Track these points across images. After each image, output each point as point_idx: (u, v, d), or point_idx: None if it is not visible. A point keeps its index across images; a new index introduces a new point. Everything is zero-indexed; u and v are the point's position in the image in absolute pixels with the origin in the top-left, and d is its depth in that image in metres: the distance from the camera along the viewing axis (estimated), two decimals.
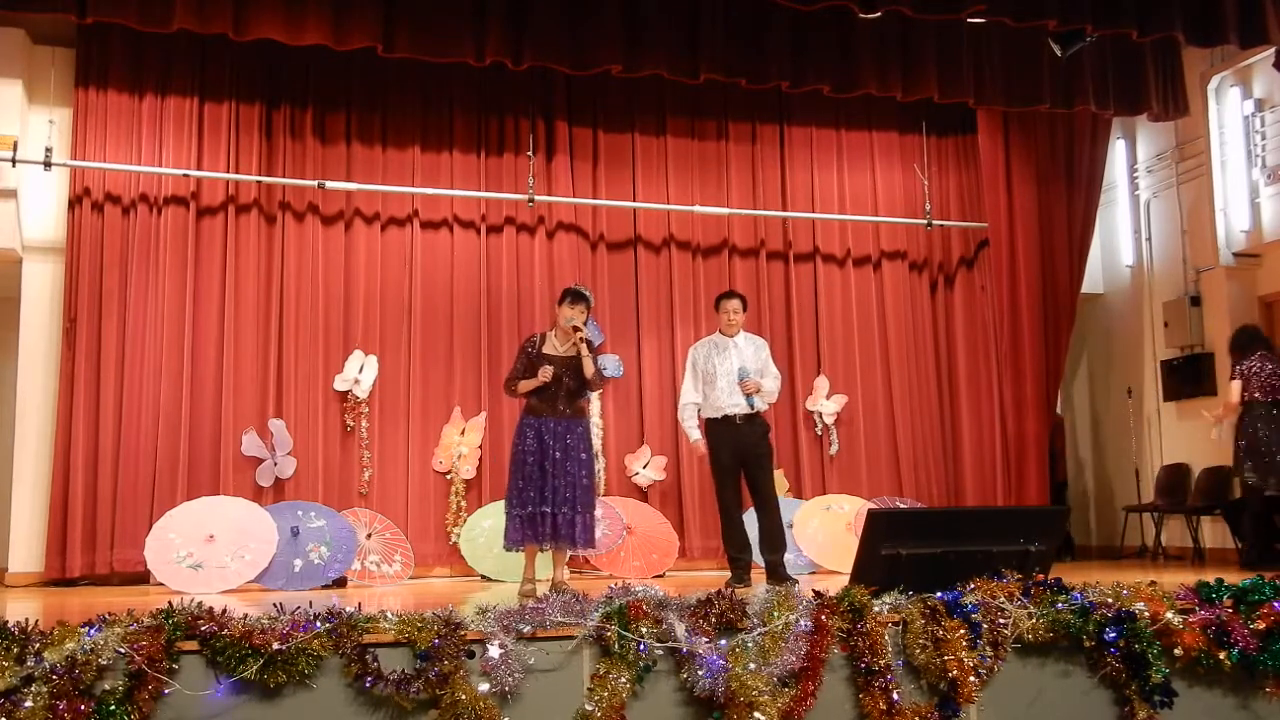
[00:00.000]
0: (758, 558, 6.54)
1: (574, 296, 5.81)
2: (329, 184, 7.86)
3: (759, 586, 4.10)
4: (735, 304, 6.38)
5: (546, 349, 5.76)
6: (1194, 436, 8.75)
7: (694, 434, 6.34)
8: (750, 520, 6.40)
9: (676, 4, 7.35)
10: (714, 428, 6.24)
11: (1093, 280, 9.44)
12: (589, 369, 5.72)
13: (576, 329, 5.72)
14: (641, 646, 3.36)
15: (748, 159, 8.90)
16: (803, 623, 3.50)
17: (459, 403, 8.05)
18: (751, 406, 6.15)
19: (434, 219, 8.26)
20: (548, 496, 5.57)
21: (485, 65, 7.33)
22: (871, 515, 4.23)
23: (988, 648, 3.61)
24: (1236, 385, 7.33)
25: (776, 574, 6.04)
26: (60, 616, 3.24)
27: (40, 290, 7.59)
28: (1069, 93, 7.99)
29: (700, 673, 3.35)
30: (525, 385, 5.71)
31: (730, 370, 6.20)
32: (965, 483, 8.90)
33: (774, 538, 6.18)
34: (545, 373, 5.63)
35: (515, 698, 3.28)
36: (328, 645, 3.20)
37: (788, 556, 6.36)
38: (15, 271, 7.64)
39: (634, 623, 3.38)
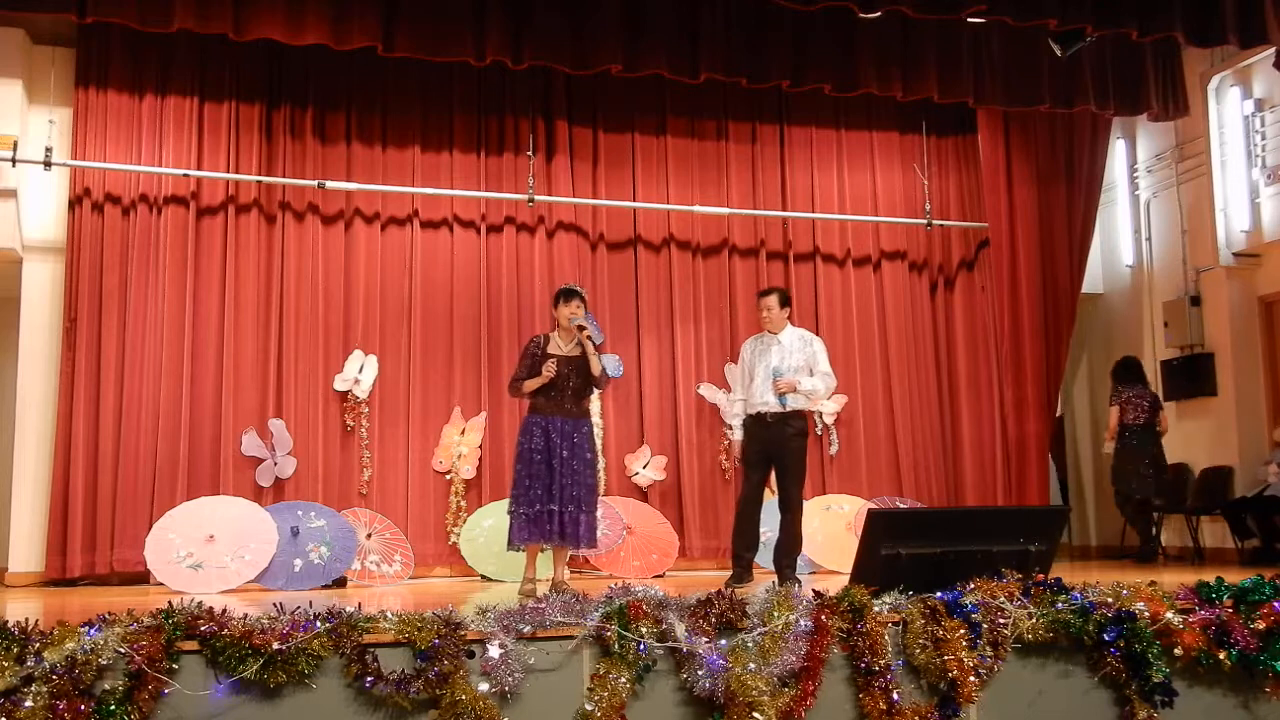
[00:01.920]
0: (759, 556, 6.54)
1: (567, 294, 5.83)
2: (329, 184, 7.86)
3: (759, 586, 4.10)
4: (768, 300, 6.34)
5: (551, 349, 5.77)
6: (1194, 437, 8.76)
7: (735, 433, 6.33)
8: (760, 520, 6.37)
9: (676, 4, 7.36)
10: (748, 424, 6.23)
11: (1093, 280, 9.44)
12: (595, 367, 5.73)
13: (581, 327, 5.73)
14: (641, 646, 3.35)
15: (748, 159, 8.90)
16: (803, 623, 3.50)
17: (459, 403, 8.05)
18: (783, 405, 6.13)
19: (434, 219, 8.26)
20: (555, 494, 5.58)
21: (485, 65, 7.34)
22: (871, 515, 4.23)
23: (988, 648, 3.61)
24: (1115, 411, 8.46)
25: (783, 577, 6.03)
26: (60, 616, 3.24)
27: (40, 290, 7.59)
28: (1069, 93, 7.99)
29: (700, 673, 3.34)
30: (530, 384, 5.71)
31: (768, 367, 6.19)
32: (965, 483, 8.89)
33: (788, 541, 6.15)
34: (549, 368, 5.64)
35: (515, 698, 3.28)
36: (328, 645, 3.19)
37: None
38: (15, 271, 7.64)
39: (634, 623, 3.38)
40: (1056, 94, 7.98)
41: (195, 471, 7.45)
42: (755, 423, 6.18)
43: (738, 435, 6.29)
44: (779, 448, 6.12)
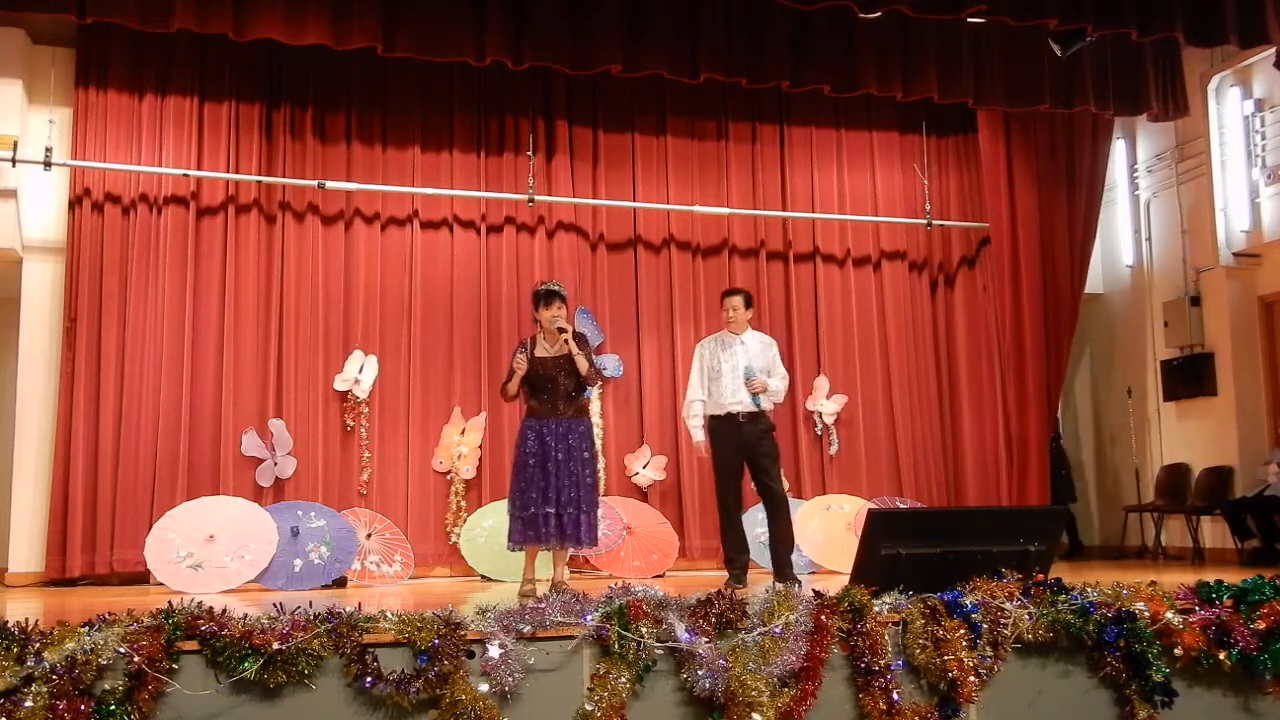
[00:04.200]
0: (758, 558, 6.52)
1: (547, 296, 5.75)
2: (329, 184, 7.86)
3: (759, 586, 4.10)
4: (734, 300, 6.33)
5: (539, 352, 5.75)
6: (1194, 437, 8.77)
7: (697, 434, 6.26)
8: (755, 521, 6.35)
9: (676, 4, 7.36)
10: (716, 425, 6.19)
11: (1093, 280, 9.43)
12: (582, 365, 5.69)
13: (562, 330, 5.70)
14: (641, 646, 3.35)
15: (748, 159, 8.90)
16: (803, 623, 3.50)
17: (459, 403, 8.05)
18: (757, 405, 6.12)
19: (434, 219, 8.26)
20: (551, 497, 5.56)
21: (485, 65, 7.34)
22: (871, 515, 4.23)
23: (988, 648, 3.61)
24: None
25: (782, 575, 6.02)
26: (60, 616, 3.24)
27: (40, 290, 7.59)
28: (1069, 93, 7.99)
29: (700, 673, 3.34)
30: (512, 385, 5.72)
31: (735, 367, 6.15)
32: (966, 483, 8.89)
33: (782, 538, 6.13)
34: (518, 363, 5.64)
35: (515, 698, 3.28)
36: (328, 645, 3.19)
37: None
38: (15, 271, 7.64)
39: (634, 623, 3.38)
40: (1056, 94, 7.97)
41: (195, 471, 7.45)
42: (725, 424, 6.14)
43: (700, 437, 6.26)
44: (754, 447, 6.11)
